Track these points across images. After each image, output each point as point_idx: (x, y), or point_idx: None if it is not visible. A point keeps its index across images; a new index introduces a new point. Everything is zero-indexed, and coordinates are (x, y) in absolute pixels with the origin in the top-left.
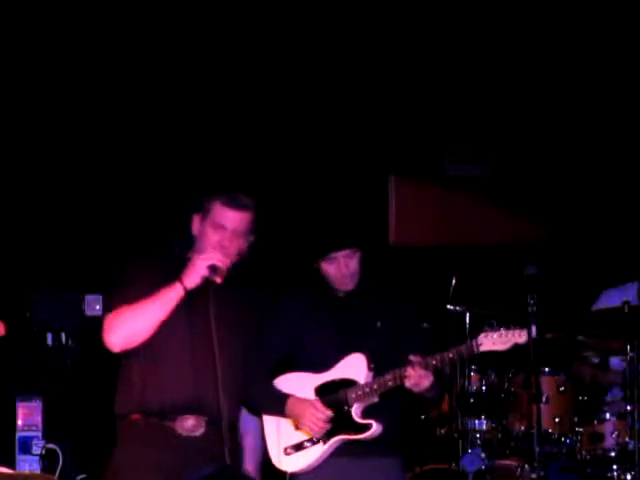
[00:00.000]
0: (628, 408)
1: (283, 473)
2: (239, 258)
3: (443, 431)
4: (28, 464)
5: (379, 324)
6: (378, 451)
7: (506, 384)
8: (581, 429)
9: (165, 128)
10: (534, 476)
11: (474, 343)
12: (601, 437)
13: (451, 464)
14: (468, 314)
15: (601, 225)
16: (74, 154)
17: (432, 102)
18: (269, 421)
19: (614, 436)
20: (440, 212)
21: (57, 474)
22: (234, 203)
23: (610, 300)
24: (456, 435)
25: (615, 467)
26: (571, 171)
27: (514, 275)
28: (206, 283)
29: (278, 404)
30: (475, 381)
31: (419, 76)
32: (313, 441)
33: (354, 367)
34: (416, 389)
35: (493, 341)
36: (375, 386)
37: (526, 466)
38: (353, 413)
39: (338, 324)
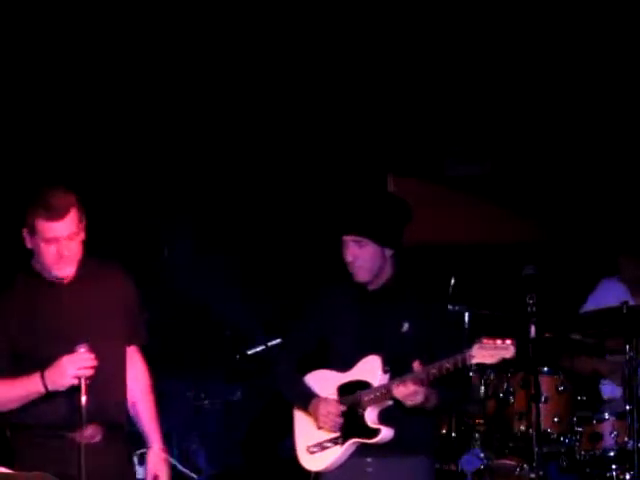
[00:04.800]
0: (627, 408)
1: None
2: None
3: (443, 431)
4: None
5: (406, 325)
6: (402, 450)
7: (505, 384)
8: (580, 429)
9: (165, 128)
10: (533, 476)
11: (467, 355)
12: (600, 437)
13: (450, 464)
14: (467, 314)
15: (601, 225)
16: (74, 154)
17: (431, 102)
18: (298, 419)
19: (613, 436)
20: (439, 212)
21: None
22: (53, 214)
23: (610, 290)
24: (455, 435)
25: (614, 467)
26: (570, 170)
27: (513, 275)
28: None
29: (303, 401)
30: (475, 381)
31: (418, 76)
32: (333, 441)
33: (370, 369)
34: (408, 404)
35: (484, 354)
36: (384, 390)
37: (525, 466)
38: (366, 416)
39: (363, 322)
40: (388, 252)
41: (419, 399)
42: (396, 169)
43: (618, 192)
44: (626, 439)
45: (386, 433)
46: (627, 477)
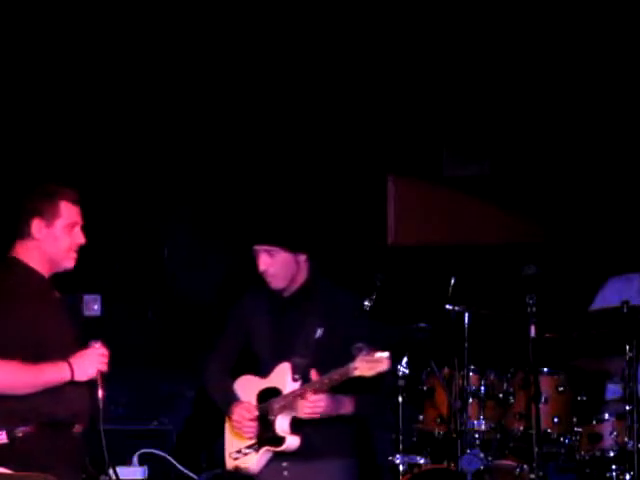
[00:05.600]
0: (627, 408)
1: None
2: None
3: (442, 431)
4: None
5: (320, 331)
6: (317, 455)
7: (505, 384)
8: (580, 429)
9: (164, 129)
10: (533, 476)
11: (351, 368)
12: (600, 437)
13: (450, 464)
14: (467, 314)
15: (600, 224)
16: (73, 153)
17: (430, 103)
18: (227, 425)
19: (613, 436)
20: (439, 212)
21: None
22: (76, 198)
23: (615, 290)
24: (454, 435)
25: (614, 467)
26: (570, 170)
27: (513, 275)
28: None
29: (224, 405)
30: (474, 381)
31: (417, 76)
32: (251, 448)
33: (281, 376)
34: (307, 412)
35: (365, 367)
36: (290, 398)
37: (525, 466)
38: (276, 423)
39: (278, 329)
40: (301, 257)
41: (319, 408)
42: (395, 169)
43: (618, 191)
44: (626, 439)
45: (290, 442)
46: (627, 477)
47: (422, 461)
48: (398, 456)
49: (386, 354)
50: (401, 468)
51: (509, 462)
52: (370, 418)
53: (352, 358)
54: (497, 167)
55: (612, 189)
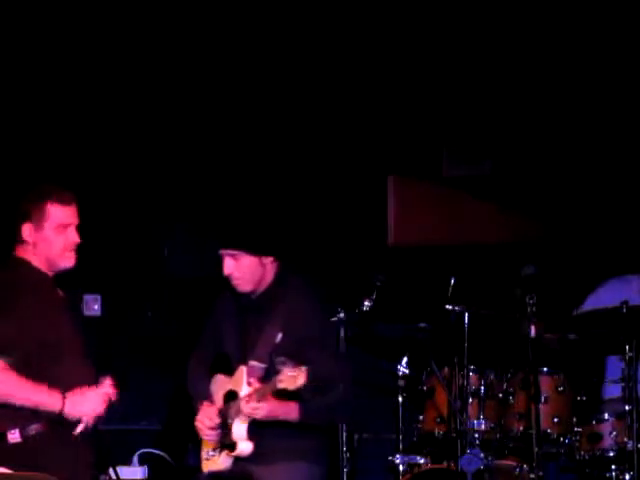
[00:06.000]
0: (627, 408)
1: None
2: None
3: (442, 431)
4: None
5: (279, 336)
6: (284, 460)
7: (505, 384)
8: (580, 429)
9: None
10: (533, 476)
11: (277, 380)
12: (600, 437)
13: (450, 464)
14: (467, 314)
15: (600, 224)
16: (73, 154)
17: (430, 102)
18: None
19: (613, 436)
20: (439, 212)
21: None
22: (66, 199)
23: (613, 292)
24: (454, 435)
25: (614, 467)
26: (570, 170)
27: (513, 275)
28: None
29: (195, 404)
30: (474, 381)
31: (417, 77)
32: (215, 451)
33: (239, 379)
34: (246, 412)
35: (288, 380)
36: (240, 402)
37: (525, 466)
38: (233, 427)
39: (242, 331)
40: (266, 260)
41: (260, 414)
42: (396, 170)
43: (617, 190)
44: (626, 439)
45: (243, 447)
46: (626, 477)
47: (422, 461)
48: (398, 456)
49: (304, 368)
50: (401, 468)
51: (509, 462)
52: (333, 424)
53: (277, 372)
54: (497, 167)
55: (612, 189)
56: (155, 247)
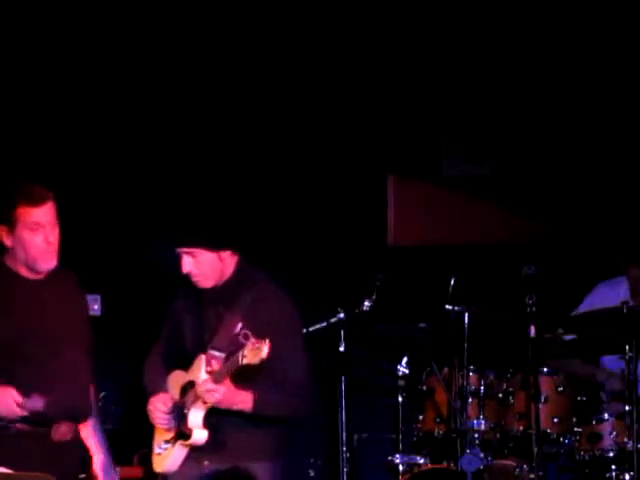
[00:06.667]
0: (627, 408)
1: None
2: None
3: (442, 431)
4: None
5: (239, 326)
6: (239, 456)
7: (505, 384)
8: (580, 429)
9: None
10: (533, 476)
11: (240, 356)
12: (600, 437)
13: (450, 464)
14: (467, 314)
15: (600, 224)
16: (73, 152)
17: (430, 102)
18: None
19: (612, 436)
20: (439, 212)
21: None
22: (36, 199)
23: (602, 295)
24: (454, 435)
25: (613, 467)
26: (571, 170)
27: (513, 275)
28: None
29: (148, 397)
30: (474, 381)
31: (417, 76)
32: (169, 443)
33: (197, 368)
34: (207, 398)
35: (251, 355)
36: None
37: (525, 466)
38: (189, 417)
39: (201, 323)
40: (225, 254)
41: (215, 397)
42: (395, 169)
43: (618, 191)
44: (625, 439)
45: (197, 435)
46: (626, 477)
47: (422, 461)
48: (398, 456)
49: (267, 340)
50: (401, 468)
51: (509, 462)
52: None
53: (241, 346)
54: (497, 167)
55: (612, 189)
56: (155, 247)
